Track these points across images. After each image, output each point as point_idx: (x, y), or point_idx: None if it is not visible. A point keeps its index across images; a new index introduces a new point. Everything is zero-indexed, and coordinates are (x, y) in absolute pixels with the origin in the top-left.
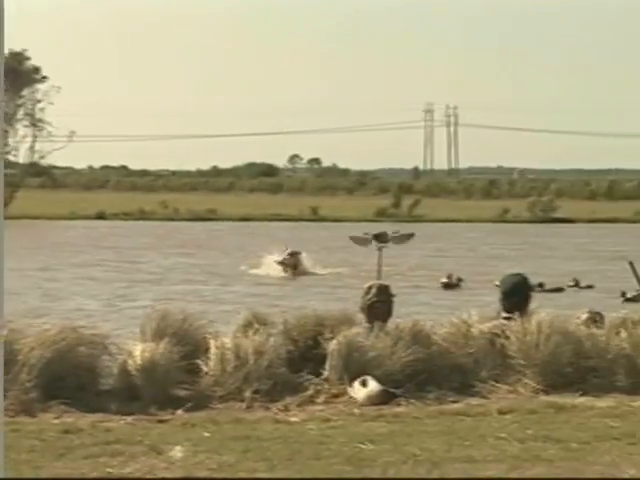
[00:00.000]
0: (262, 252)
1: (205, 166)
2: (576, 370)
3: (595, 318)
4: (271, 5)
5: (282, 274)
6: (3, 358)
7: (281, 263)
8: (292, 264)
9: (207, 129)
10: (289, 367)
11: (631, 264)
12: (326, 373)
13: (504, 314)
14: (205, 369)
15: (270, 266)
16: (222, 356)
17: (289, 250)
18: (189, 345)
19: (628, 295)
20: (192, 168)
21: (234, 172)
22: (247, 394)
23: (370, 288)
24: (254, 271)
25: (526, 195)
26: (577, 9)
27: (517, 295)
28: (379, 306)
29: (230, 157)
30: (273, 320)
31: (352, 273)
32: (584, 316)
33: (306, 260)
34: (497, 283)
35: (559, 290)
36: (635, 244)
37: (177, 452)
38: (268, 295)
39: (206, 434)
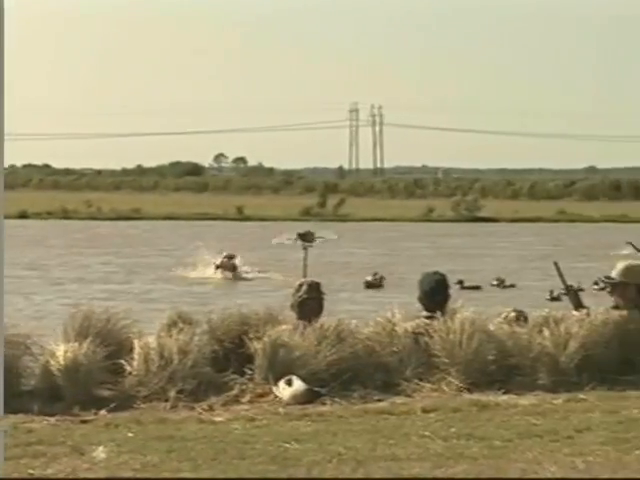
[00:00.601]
0: (195, 254)
1: (130, 165)
2: (499, 368)
3: (519, 317)
4: (190, 2)
5: (219, 277)
6: (3, 358)
7: (219, 267)
8: (230, 267)
9: (132, 128)
10: (214, 367)
11: (556, 264)
12: (251, 372)
13: (425, 313)
14: (129, 369)
15: (206, 269)
16: (146, 356)
17: (225, 253)
18: (113, 345)
19: (554, 294)
20: (117, 167)
21: (159, 171)
22: (171, 394)
23: (301, 285)
24: (192, 274)
25: (450, 194)
26: (500, 9)
27: (437, 294)
28: (310, 303)
29: (155, 156)
30: (198, 319)
31: (286, 275)
32: (507, 315)
33: (239, 263)
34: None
35: (477, 288)
36: (557, 243)
37: (100, 453)
38: (195, 294)
39: (130, 434)
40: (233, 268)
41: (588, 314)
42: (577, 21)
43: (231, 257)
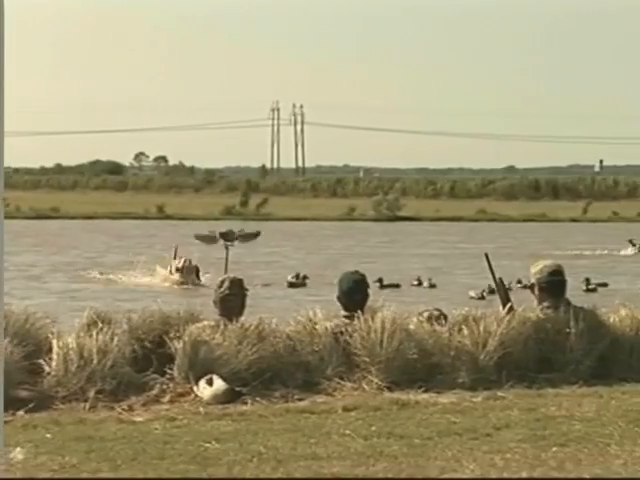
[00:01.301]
0: (133, 256)
1: (49, 163)
2: (419, 367)
3: (438, 316)
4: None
5: (177, 283)
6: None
7: (179, 270)
8: (191, 271)
9: (50, 126)
10: (134, 366)
11: (487, 256)
12: (172, 372)
13: (344, 312)
14: (47, 369)
15: (161, 275)
16: (65, 356)
17: (182, 257)
18: (31, 345)
19: (472, 294)
20: (34, 165)
21: (78, 170)
22: (90, 394)
23: (223, 282)
24: (145, 279)
25: (372, 194)
26: (423, 9)
27: (356, 293)
28: (232, 299)
29: (74, 154)
30: (118, 319)
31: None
32: (426, 314)
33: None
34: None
35: (397, 286)
36: (479, 242)
37: (18, 454)
38: (113, 292)
39: (48, 435)
40: (196, 272)
41: (512, 310)
42: (499, 20)
43: (188, 261)
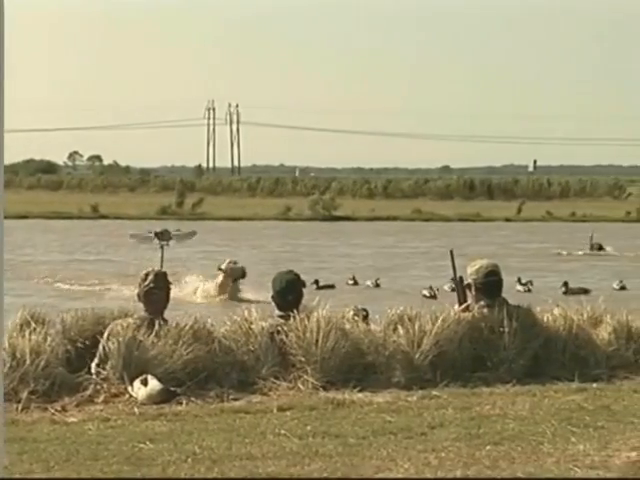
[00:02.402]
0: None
1: None
2: (355, 366)
3: (361, 314)
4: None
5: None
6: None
7: (225, 273)
8: (238, 274)
9: None
10: (67, 367)
11: (451, 253)
12: (105, 372)
13: (278, 312)
14: None
15: (195, 287)
16: None
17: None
18: None
19: (425, 292)
20: None
21: (12, 169)
22: (23, 395)
23: (147, 275)
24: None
25: (308, 193)
26: (365, 8)
27: (289, 293)
28: (157, 292)
29: (8, 153)
30: (51, 319)
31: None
32: (350, 313)
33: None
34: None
35: (331, 287)
36: (415, 241)
37: None
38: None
39: None
40: (243, 274)
41: (467, 309)
42: (437, 20)
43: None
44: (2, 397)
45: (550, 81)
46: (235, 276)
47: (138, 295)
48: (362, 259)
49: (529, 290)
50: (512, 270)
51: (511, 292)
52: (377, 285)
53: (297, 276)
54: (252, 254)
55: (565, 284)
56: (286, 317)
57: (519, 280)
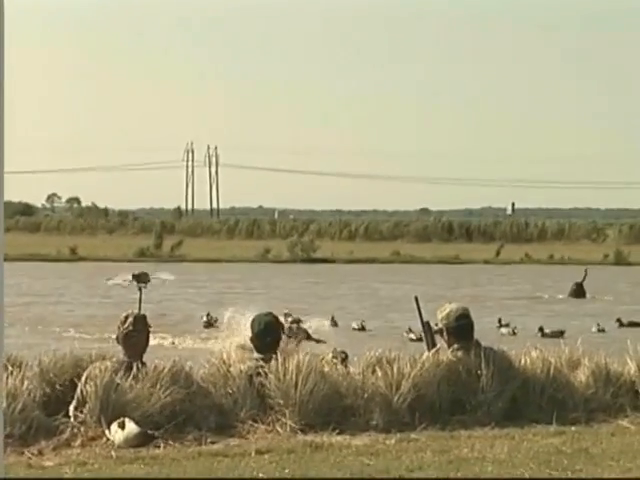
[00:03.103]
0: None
1: None
2: (333, 409)
3: (340, 357)
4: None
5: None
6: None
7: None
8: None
9: None
10: (45, 410)
11: (416, 299)
12: (82, 416)
13: (257, 355)
14: None
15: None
16: None
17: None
18: None
19: (412, 336)
20: None
21: None
22: None
23: (127, 318)
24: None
25: (287, 235)
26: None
27: (268, 335)
28: (136, 335)
29: None
30: (28, 362)
31: None
32: (329, 355)
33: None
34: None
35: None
36: (395, 282)
37: None
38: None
39: None
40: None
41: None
42: (416, 59)
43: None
44: (2, 400)
45: (527, 124)
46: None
47: (117, 338)
48: (344, 301)
49: (514, 333)
50: (492, 312)
51: (492, 335)
52: (362, 328)
53: (275, 318)
54: (229, 295)
55: (540, 329)
56: (266, 359)
57: (499, 322)
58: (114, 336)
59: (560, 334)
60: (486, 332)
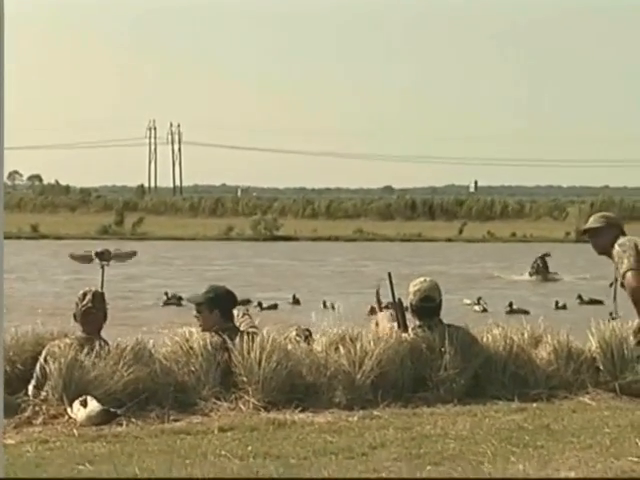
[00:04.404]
0: None
1: None
2: (296, 387)
3: (303, 334)
4: None
5: None
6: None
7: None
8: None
9: None
10: (7, 388)
11: (389, 275)
12: (44, 394)
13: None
14: None
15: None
16: None
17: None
18: None
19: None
20: None
21: None
22: None
23: (85, 295)
24: None
25: (250, 213)
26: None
27: (224, 305)
28: (94, 312)
29: None
30: None
31: None
32: (293, 333)
33: None
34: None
35: (274, 307)
36: (357, 260)
37: None
38: None
39: None
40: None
41: (405, 331)
42: (373, 39)
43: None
44: (1, 399)
45: (490, 103)
46: None
47: (74, 315)
48: (308, 279)
49: (485, 310)
50: (457, 290)
51: (460, 312)
52: (325, 305)
53: (229, 290)
54: (191, 273)
55: (510, 304)
56: (228, 330)
57: (478, 300)
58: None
59: (526, 312)
60: (453, 309)
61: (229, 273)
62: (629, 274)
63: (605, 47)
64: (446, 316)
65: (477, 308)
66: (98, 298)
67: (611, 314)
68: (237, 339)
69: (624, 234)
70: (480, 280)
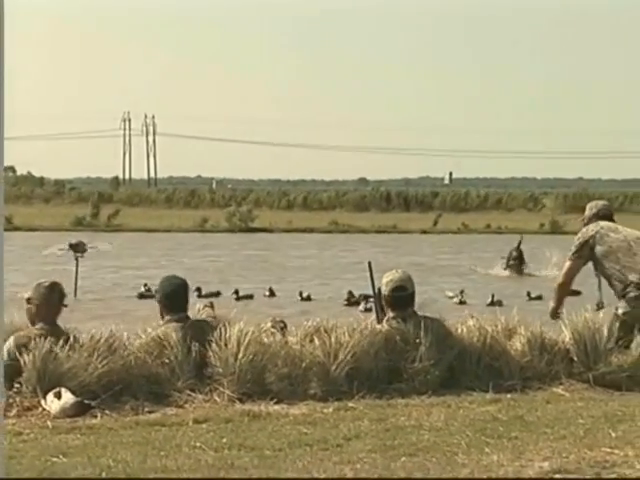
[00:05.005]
0: None
1: None
2: (271, 378)
3: (278, 326)
4: None
5: None
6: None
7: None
8: None
9: None
10: None
11: (369, 264)
12: (19, 385)
13: (167, 317)
14: None
15: None
16: None
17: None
18: None
19: (361, 308)
20: None
21: None
22: None
23: (40, 284)
24: None
25: (225, 205)
26: (283, 19)
27: (178, 297)
28: (48, 302)
29: None
30: None
31: None
32: (268, 324)
33: None
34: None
35: (250, 297)
36: (335, 252)
37: None
38: None
39: None
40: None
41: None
42: (351, 34)
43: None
44: (2, 396)
45: (464, 94)
46: None
47: (31, 306)
48: (284, 270)
49: (461, 302)
50: (432, 281)
51: (438, 304)
52: (305, 298)
53: (184, 281)
54: (166, 266)
55: (492, 296)
56: (181, 320)
57: (461, 292)
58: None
59: (500, 304)
60: (430, 301)
61: (205, 264)
62: (566, 261)
63: (580, 39)
64: (425, 309)
65: (455, 300)
66: (55, 289)
67: (598, 304)
68: (189, 329)
69: (606, 219)
70: (460, 273)
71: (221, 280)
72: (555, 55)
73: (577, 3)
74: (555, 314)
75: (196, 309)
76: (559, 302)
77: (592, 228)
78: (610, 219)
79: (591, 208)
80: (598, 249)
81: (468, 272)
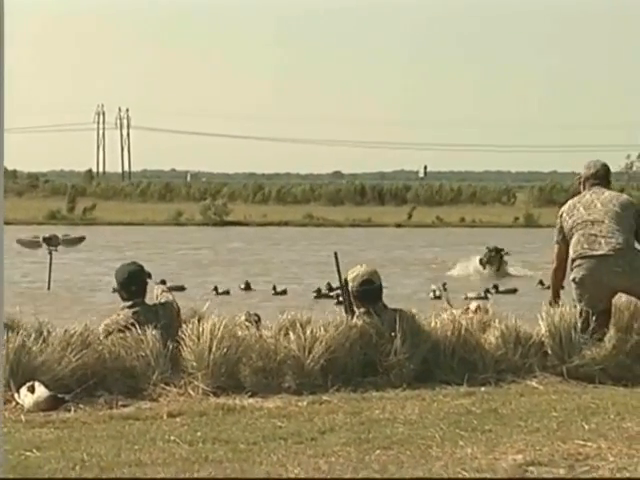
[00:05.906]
0: None
1: None
2: (246, 372)
3: (253, 320)
4: None
5: None
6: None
7: None
8: None
9: None
10: None
11: (336, 255)
12: None
13: (124, 304)
14: None
15: None
16: None
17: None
18: None
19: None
20: None
21: None
22: None
23: None
24: None
25: (200, 198)
26: (262, 13)
27: (134, 284)
28: None
29: None
30: None
31: None
32: (242, 318)
33: None
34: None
35: (227, 293)
36: (310, 245)
37: None
38: None
39: None
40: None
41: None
42: (330, 26)
43: None
44: (2, 396)
45: (439, 87)
46: None
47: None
48: (261, 265)
49: (438, 297)
50: (407, 275)
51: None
52: (278, 291)
53: (140, 267)
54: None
55: (487, 290)
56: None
57: (444, 286)
58: None
59: (485, 298)
60: (409, 295)
61: (179, 258)
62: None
63: (557, 32)
64: (397, 302)
65: (431, 295)
66: None
67: None
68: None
69: (602, 179)
70: (430, 265)
71: (196, 274)
72: (531, 49)
73: None
74: (555, 299)
75: (154, 294)
76: (556, 287)
77: (562, 210)
78: (606, 179)
79: (589, 167)
80: (565, 228)
81: (443, 265)
